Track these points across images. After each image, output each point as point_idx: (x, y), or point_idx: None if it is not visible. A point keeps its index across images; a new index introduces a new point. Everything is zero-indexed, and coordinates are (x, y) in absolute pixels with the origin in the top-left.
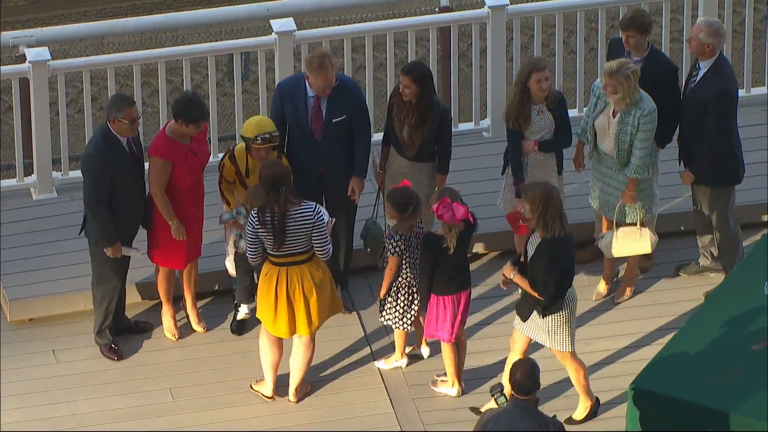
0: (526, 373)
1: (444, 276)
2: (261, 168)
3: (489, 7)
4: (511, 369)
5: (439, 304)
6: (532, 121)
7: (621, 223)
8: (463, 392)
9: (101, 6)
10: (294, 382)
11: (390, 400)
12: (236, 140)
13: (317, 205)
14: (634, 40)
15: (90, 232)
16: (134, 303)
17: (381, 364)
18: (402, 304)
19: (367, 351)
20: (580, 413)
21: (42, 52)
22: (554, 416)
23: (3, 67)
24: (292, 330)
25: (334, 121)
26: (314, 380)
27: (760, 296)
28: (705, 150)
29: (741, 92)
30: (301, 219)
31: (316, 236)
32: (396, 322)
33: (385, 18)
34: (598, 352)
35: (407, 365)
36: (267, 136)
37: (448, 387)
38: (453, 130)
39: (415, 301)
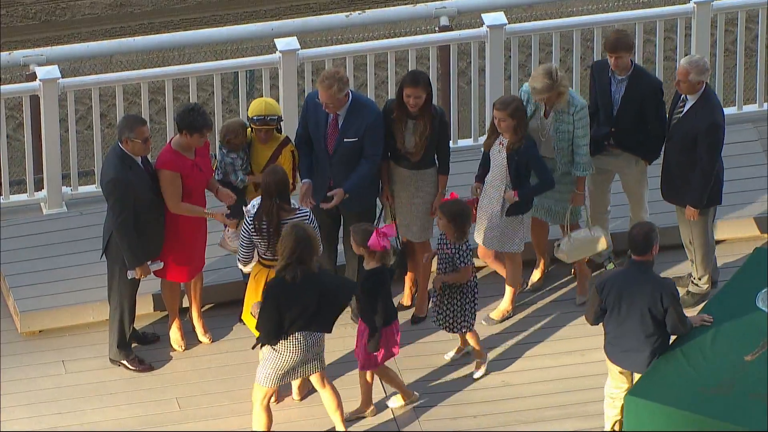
0: (643, 233)
1: (387, 304)
2: (263, 175)
3: (488, 26)
4: (630, 230)
5: (386, 334)
6: (492, 153)
7: (573, 226)
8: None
9: (110, 25)
10: (295, 381)
11: (390, 408)
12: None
13: (311, 213)
14: (622, 60)
15: (112, 253)
16: (145, 314)
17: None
18: (460, 308)
19: None
20: None
21: (52, 71)
22: (683, 294)
23: (14, 85)
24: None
25: (345, 140)
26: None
27: (752, 308)
28: (700, 179)
29: (734, 110)
30: None
31: None
32: (459, 326)
33: (387, 37)
34: (593, 363)
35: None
36: (262, 118)
37: (398, 400)
38: (453, 146)
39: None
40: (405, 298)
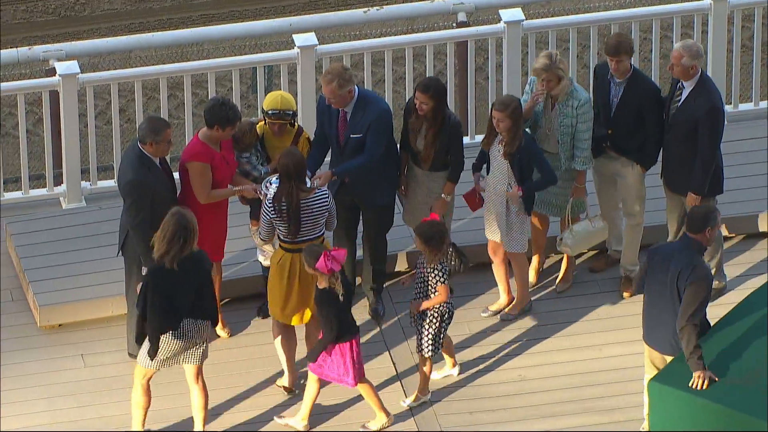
0: (702, 212)
1: (344, 323)
2: (279, 156)
3: (505, 22)
4: (692, 208)
5: (342, 349)
6: (492, 153)
7: (575, 219)
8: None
9: (129, 21)
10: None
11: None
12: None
13: (327, 192)
14: (623, 64)
15: (129, 251)
16: None
17: (435, 374)
18: (443, 330)
19: (385, 354)
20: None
21: (71, 66)
22: (707, 267)
23: (34, 80)
24: (302, 317)
25: (352, 136)
26: (333, 385)
27: None
28: (702, 165)
29: (750, 106)
30: (317, 205)
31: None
32: (426, 348)
33: (405, 33)
34: (610, 357)
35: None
36: (277, 112)
37: (380, 421)
38: (469, 140)
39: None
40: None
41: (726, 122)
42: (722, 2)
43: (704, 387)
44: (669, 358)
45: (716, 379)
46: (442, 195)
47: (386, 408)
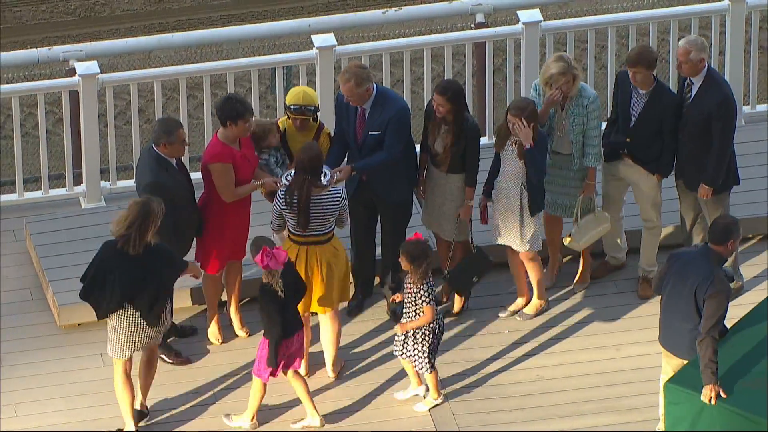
0: (725, 223)
1: (287, 319)
2: (299, 151)
3: (523, 23)
4: (715, 218)
5: (263, 346)
6: (504, 154)
7: (583, 216)
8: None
9: (148, 21)
10: (329, 357)
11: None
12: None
13: (343, 191)
14: (640, 75)
15: None
16: (183, 308)
17: (420, 406)
18: (432, 348)
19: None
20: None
21: (91, 66)
22: (726, 269)
23: (54, 81)
24: (307, 306)
25: (370, 133)
26: (350, 382)
27: None
28: (717, 157)
29: (762, 107)
30: (328, 203)
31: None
32: (427, 366)
33: (423, 34)
34: (628, 357)
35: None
36: (299, 107)
37: (245, 420)
38: (487, 141)
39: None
40: (444, 296)
41: (744, 122)
42: (740, 3)
43: (713, 402)
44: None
45: (724, 395)
46: (466, 201)
47: (317, 410)
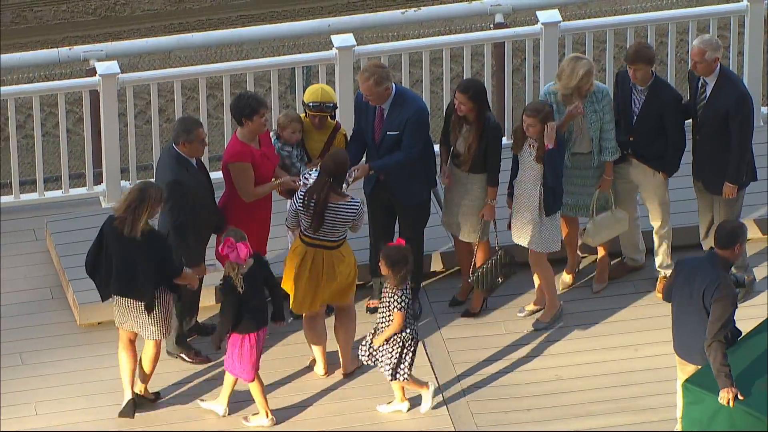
0: (730, 228)
1: (248, 314)
2: (327, 156)
3: (542, 23)
4: (720, 223)
5: (244, 343)
6: (522, 156)
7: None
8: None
9: (168, 21)
10: (343, 356)
11: (444, 401)
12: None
13: (362, 203)
14: (641, 72)
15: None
16: (206, 306)
17: (383, 408)
18: (396, 357)
19: (423, 356)
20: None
21: (111, 66)
22: (735, 274)
23: (74, 80)
24: (311, 306)
25: (388, 133)
26: (367, 380)
27: None
28: (738, 155)
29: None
30: (343, 213)
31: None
32: (388, 374)
33: (442, 34)
34: (646, 357)
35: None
36: (318, 104)
37: (261, 418)
38: (506, 141)
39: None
40: (461, 293)
41: (762, 123)
42: (759, 4)
43: (731, 404)
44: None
45: (741, 397)
46: (488, 201)
47: (271, 410)
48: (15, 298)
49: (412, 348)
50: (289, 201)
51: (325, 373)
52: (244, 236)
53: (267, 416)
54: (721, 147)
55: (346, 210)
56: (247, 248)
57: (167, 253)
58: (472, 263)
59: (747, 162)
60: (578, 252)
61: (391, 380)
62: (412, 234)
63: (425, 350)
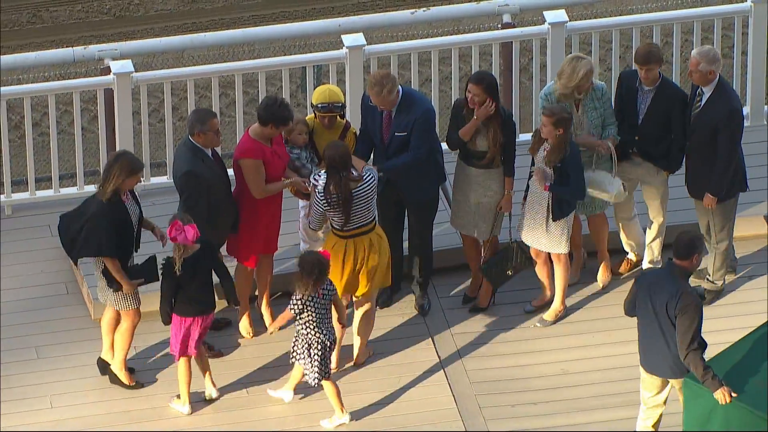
0: (688, 238)
1: (186, 299)
2: (324, 149)
3: (549, 23)
4: (678, 235)
5: (180, 324)
6: (537, 158)
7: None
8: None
9: (181, 21)
10: (357, 346)
11: (453, 396)
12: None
13: (373, 170)
14: (652, 72)
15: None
16: (217, 302)
17: (326, 423)
18: (316, 360)
19: (431, 350)
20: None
21: (126, 65)
22: (697, 286)
23: (89, 79)
24: (346, 293)
25: (396, 134)
26: (376, 375)
27: None
28: (722, 168)
29: None
30: (365, 193)
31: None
32: (316, 378)
33: (451, 34)
34: None
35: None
36: (326, 105)
37: (183, 404)
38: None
39: (327, 354)
40: (470, 289)
41: (766, 122)
42: (762, 4)
43: (728, 401)
44: (672, 381)
45: (734, 394)
46: (507, 191)
47: (190, 396)
48: (30, 293)
49: (319, 352)
50: (301, 203)
51: (336, 367)
52: (191, 219)
53: (186, 403)
54: (708, 157)
55: (368, 187)
56: (194, 230)
57: (124, 226)
58: (483, 256)
59: (736, 173)
60: (583, 249)
61: (319, 383)
62: (421, 230)
63: (434, 344)
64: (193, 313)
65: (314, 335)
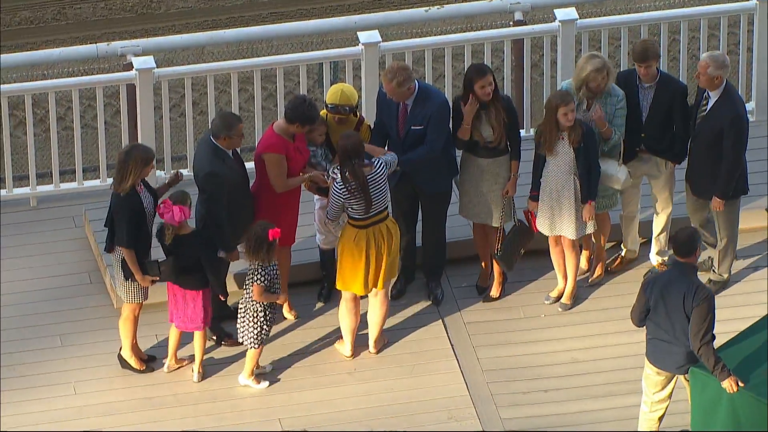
0: (687, 236)
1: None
2: (338, 139)
3: (560, 21)
4: (674, 234)
5: (206, 295)
6: (555, 150)
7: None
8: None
9: (202, 18)
10: (373, 335)
11: (465, 383)
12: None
13: (381, 161)
14: (651, 69)
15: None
16: (232, 292)
17: (246, 380)
18: (261, 324)
19: (444, 339)
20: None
21: (148, 61)
22: (705, 282)
23: (112, 75)
24: (367, 287)
25: (413, 128)
26: (389, 363)
27: None
28: (726, 172)
29: None
30: (379, 178)
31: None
32: (253, 341)
33: (464, 31)
34: None
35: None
36: (335, 106)
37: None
38: (525, 134)
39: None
40: (481, 279)
41: None
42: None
43: (735, 389)
44: (679, 377)
45: (741, 384)
46: (513, 174)
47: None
48: (55, 283)
49: (265, 321)
50: (316, 197)
51: (351, 355)
52: (183, 201)
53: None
54: (713, 160)
55: (379, 173)
56: (181, 211)
57: (139, 218)
58: (497, 242)
59: (740, 175)
60: (593, 239)
61: (251, 348)
62: (434, 222)
63: (447, 333)
64: (193, 287)
65: (265, 305)
